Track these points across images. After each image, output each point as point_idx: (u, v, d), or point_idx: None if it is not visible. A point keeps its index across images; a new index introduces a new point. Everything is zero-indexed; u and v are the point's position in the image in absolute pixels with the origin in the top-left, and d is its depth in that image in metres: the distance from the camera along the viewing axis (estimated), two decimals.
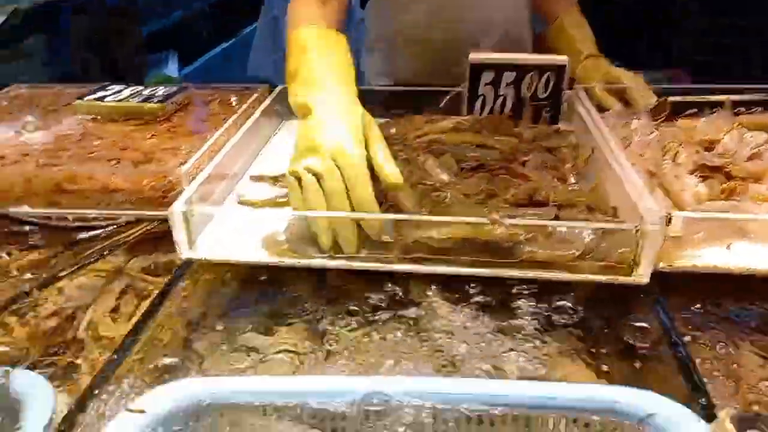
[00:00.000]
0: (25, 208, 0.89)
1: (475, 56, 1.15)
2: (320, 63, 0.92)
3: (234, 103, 1.20)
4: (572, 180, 0.93)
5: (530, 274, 0.75)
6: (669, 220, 0.74)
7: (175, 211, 0.77)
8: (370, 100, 0.90)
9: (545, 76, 1.15)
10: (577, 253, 0.74)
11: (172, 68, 3.75)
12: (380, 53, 1.50)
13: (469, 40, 1.36)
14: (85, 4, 2.40)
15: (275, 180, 0.98)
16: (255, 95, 1.21)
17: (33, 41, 2.32)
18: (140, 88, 1.18)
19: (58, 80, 2.67)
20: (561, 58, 1.14)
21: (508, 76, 1.16)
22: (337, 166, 0.74)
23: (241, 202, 0.91)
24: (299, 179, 0.75)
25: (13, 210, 0.89)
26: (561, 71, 1.14)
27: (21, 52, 2.25)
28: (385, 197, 0.81)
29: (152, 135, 1.05)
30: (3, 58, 2.17)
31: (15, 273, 0.82)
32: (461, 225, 0.74)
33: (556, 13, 1.42)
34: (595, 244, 0.75)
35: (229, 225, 0.84)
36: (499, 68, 1.15)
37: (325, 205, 0.74)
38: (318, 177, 0.74)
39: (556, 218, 0.79)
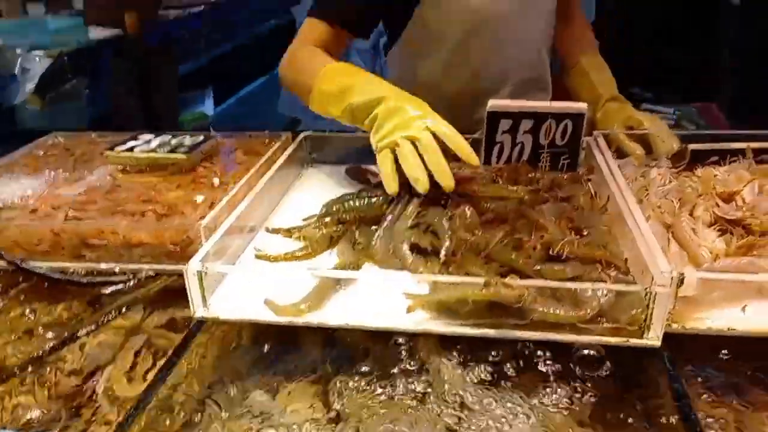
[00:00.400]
0: (50, 264, 0.93)
1: (493, 104, 1.16)
2: (372, 77, 1.10)
3: (259, 151, 1.24)
4: (586, 232, 0.92)
5: (540, 336, 0.75)
6: (681, 281, 0.72)
7: (190, 269, 0.79)
8: None
9: (563, 123, 1.14)
10: (589, 315, 0.73)
11: (207, 104, 3.89)
12: None
13: (488, 89, 1.36)
14: (125, 47, 2.51)
15: (289, 232, 1.00)
16: (278, 143, 1.25)
17: (76, 83, 2.44)
18: (169, 137, 1.23)
19: (99, 120, 2.81)
20: (579, 106, 1.14)
21: (526, 124, 1.16)
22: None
23: (257, 257, 0.94)
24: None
25: (37, 264, 0.92)
26: (579, 119, 1.14)
27: (65, 93, 2.37)
28: None
29: (178, 186, 1.09)
30: (50, 101, 2.29)
31: (40, 331, 0.86)
32: (471, 286, 0.74)
33: (575, 57, 1.42)
34: (607, 305, 0.74)
35: (245, 282, 0.86)
36: (517, 116, 1.16)
37: (421, 162, 0.94)
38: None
39: (571, 278, 0.78)
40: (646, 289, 0.71)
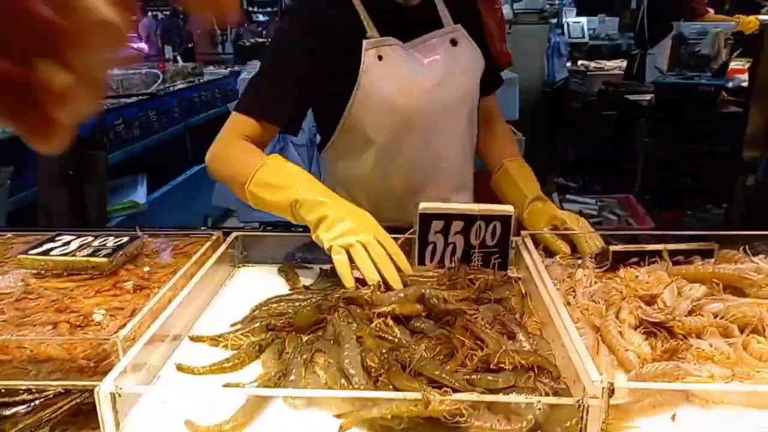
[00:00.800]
0: None
1: (424, 206, 1.19)
2: (311, 178, 1.21)
3: (188, 251, 1.20)
4: (520, 336, 0.92)
5: None
6: (612, 391, 0.73)
7: (102, 391, 0.73)
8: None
9: (492, 224, 1.18)
10: (525, 429, 0.72)
11: (140, 193, 3.79)
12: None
13: (416, 186, 1.42)
14: None
15: (215, 341, 0.96)
16: (208, 243, 1.21)
17: (0, 173, 2.33)
18: (91, 238, 1.17)
19: (21, 212, 2.68)
20: (506, 209, 1.18)
21: (457, 225, 1.19)
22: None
23: (179, 369, 0.88)
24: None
25: None
26: (507, 220, 1.18)
27: None
28: None
29: (96, 292, 1.02)
30: None
31: None
32: (404, 402, 0.72)
33: (499, 161, 1.49)
34: (542, 417, 0.73)
35: (165, 400, 0.80)
36: (448, 217, 1.19)
37: (373, 266, 1.07)
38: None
39: (503, 387, 0.77)
40: (578, 401, 0.71)
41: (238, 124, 1.27)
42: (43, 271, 1.09)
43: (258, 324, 1.01)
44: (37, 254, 1.10)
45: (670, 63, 4.64)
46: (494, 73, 1.55)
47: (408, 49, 1.34)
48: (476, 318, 0.91)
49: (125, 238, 1.19)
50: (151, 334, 0.86)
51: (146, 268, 1.13)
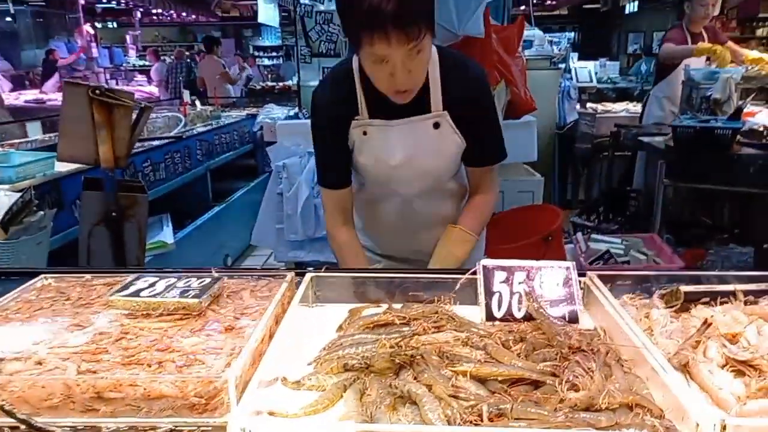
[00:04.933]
0: (61, 420, 0.87)
1: (486, 261, 1.25)
2: None
3: (267, 293, 1.23)
4: (617, 375, 0.94)
5: None
6: (724, 428, 0.75)
7: (232, 426, 0.76)
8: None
9: (553, 275, 1.23)
10: None
11: (166, 233, 3.84)
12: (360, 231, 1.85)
13: (415, 215, 1.75)
14: (99, 180, 2.51)
15: (298, 384, 0.98)
16: (285, 284, 1.25)
17: (44, 216, 2.38)
18: (174, 279, 1.21)
19: (61, 254, 2.72)
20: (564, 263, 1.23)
21: (519, 276, 1.23)
22: None
23: (271, 415, 0.89)
24: None
25: (50, 421, 0.85)
26: (567, 270, 1.22)
27: (31, 226, 2.30)
28: None
29: (192, 332, 1.06)
30: (13, 234, 2.21)
31: None
32: None
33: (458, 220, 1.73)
34: None
35: None
36: (510, 269, 1.23)
37: None
38: None
39: (615, 425, 0.80)
40: None
41: (328, 197, 1.74)
42: (134, 312, 1.13)
43: (335, 364, 1.03)
44: (128, 295, 1.14)
45: (682, 105, 4.76)
46: (487, 151, 1.69)
47: (392, 127, 1.59)
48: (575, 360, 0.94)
49: (207, 280, 1.22)
50: (262, 376, 0.90)
51: (230, 309, 1.17)
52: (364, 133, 1.61)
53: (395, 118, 1.58)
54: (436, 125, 1.59)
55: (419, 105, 1.57)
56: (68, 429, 0.84)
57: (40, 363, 0.95)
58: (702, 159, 3.61)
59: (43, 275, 1.33)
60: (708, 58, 4.73)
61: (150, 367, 0.95)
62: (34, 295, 1.24)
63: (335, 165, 1.68)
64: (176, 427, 0.87)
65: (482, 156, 1.69)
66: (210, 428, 0.87)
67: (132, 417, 0.88)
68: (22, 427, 0.84)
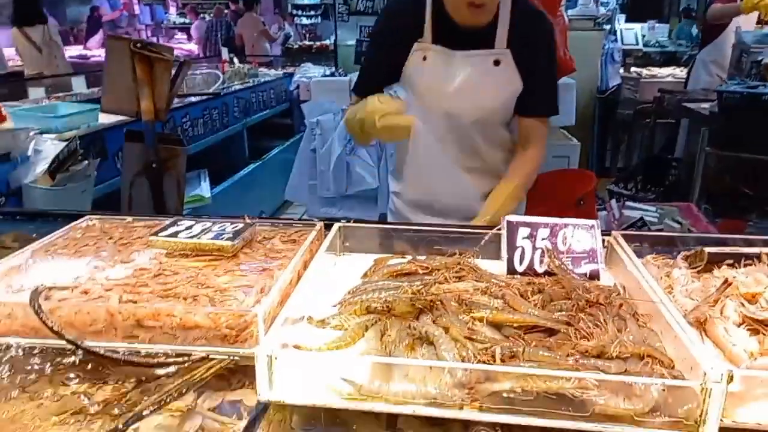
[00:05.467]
0: (104, 344, 0.94)
1: (510, 217, 1.26)
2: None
3: (294, 239, 1.29)
4: (631, 326, 0.96)
5: (599, 427, 0.78)
6: (731, 378, 0.77)
7: (260, 353, 0.82)
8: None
9: (577, 232, 1.24)
10: (647, 409, 0.77)
11: (203, 187, 3.95)
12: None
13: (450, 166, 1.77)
14: (140, 133, 2.59)
15: (323, 323, 1.03)
16: (314, 233, 1.30)
17: (88, 165, 2.48)
18: (209, 223, 1.27)
19: (106, 202, 2.85)
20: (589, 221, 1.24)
21: (543, 233, 1.25)
22: None
23: (297, 348, 0.95)
24: None
25: (95, 344, 0.93)
26: (591, 228, 1.23)
27: (76, 175, 2.41)
28: None
29: (225, 271, 1.12)
30: (60, 181, 2.32)
31: (93, 411, 0.86)
32: (534, 378, 0.78)
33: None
34: (663, 400, 0.78)
35: (302, 367, 0.88)
36: (534, 225, 1.25)
37: None
38: None
39: (624, 372, 0.82)
40: (702, 384, 0.76)
41: (354, 101, 1.76)
42: (172, 251, 1.19)
43: (359, 306, 1.08)
44: (167, 236, 1.20)
45: (730, 70, 4.58)
46: (540, 100, 1.69)
47: (453, 57, 1.61)
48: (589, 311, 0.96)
49: (240, 224, 1.28)
50: (288, 313, 0.95)
51: (261, 252, 1.23)
52: (424, 59, 1.63)
53: (458, 49, 1.61)
54: (497, 62, 1.61)
55: (484, 39, 1.60)
56: (110, 351, 0.92)
57: (85, 292, 1.03)
58: (747, 126, 3.49)
59: (88, 216, 1.41)
60: (759, 17, 4.49)
61: (186, 300, 1.01)
62: (79, 233, 1.32)
63: (377, 78, 1.74)
64: (209, 354, 0.94)
65: (536, 104, 1.70)
66: (239, 357, 0.93)
67: (169, 344, 0.95)
68: (69, 348, 0.92)
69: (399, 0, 1.76)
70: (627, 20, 7.99)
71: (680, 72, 6.26)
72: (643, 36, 7.67)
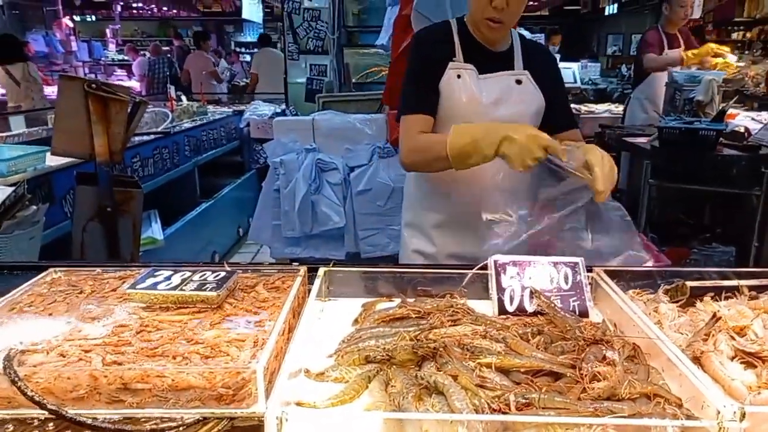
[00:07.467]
0: (89, 411, 0.87)
1: (497, 257, 1.27)
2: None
3: (279, 286, 1.24)
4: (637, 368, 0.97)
5: None
6: (743, 416, 0.79)
7: (269, 415, 0.77)
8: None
9: (563, 271, 1.26)
10: None
11: (155, 228, 3.81)
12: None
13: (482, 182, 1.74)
14: (93, 175, 2.48)
15: (322, 376, 0.99)
16: (299, 278, 1.26)
17: (36, 210, 2.34)
18: (189, 273, 1.21)
19: (54, 248, 2.68)
20: (575, 259, 1.27)
21: (530, 272, 1.26)
22: None
23: (299, 405, 0.90)
24: None
25: (81, 413, 0.86)
26: (576, 266, 1.26)
27: (23, 221, 2.26)
28: None
29: (212, 325, 1.06)
30: (6, 229, 2.17)
31: None
32: (555, 427, 0.77)
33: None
34: None
35: (313, 427, 0.84)
36: (521, 265, 1.26)
37: None
38: None
39: (638, 414, 0.82)
40: (719, 424, 0.76)
41: (411, 123, 1.73)
42: (152, 305, 1.13)
43: (357, 356, 1.05)
44: (146, 288, 1.14)
45: (665, 107, 4.86)
46: (565, 114, 1.88)
47: (480, 77, 1.75)
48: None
49: (222, 273, 1.23)
50: (290, 367, 0.91)
51: (247, 302, 1.17)
52: (458, 76, 1.75)
53: (484, 72, 1.75)
54: (519, 81, 1.78)
55: (505, 62, 1.78)
56: (99, 420, 0.84)
57: (63, 355, 0.95)
58: (687, 160, 3.70)
59: (52, 269, 1.32)
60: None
61: (175, 359, 0.95)
62: (45, 288, 1.23)
63: (428, 97, 1.75)
64: (204, 417, 0.88)
65: (562, 117, 1.84)
66: (238, 418, 0.88)
67: (158, 408, 0.88)
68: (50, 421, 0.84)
69: (428, 29, 1.89)
70: (562, 60, 8.40)
71: (615, 108, 6.60)
72: (579, 74, 8.07)
